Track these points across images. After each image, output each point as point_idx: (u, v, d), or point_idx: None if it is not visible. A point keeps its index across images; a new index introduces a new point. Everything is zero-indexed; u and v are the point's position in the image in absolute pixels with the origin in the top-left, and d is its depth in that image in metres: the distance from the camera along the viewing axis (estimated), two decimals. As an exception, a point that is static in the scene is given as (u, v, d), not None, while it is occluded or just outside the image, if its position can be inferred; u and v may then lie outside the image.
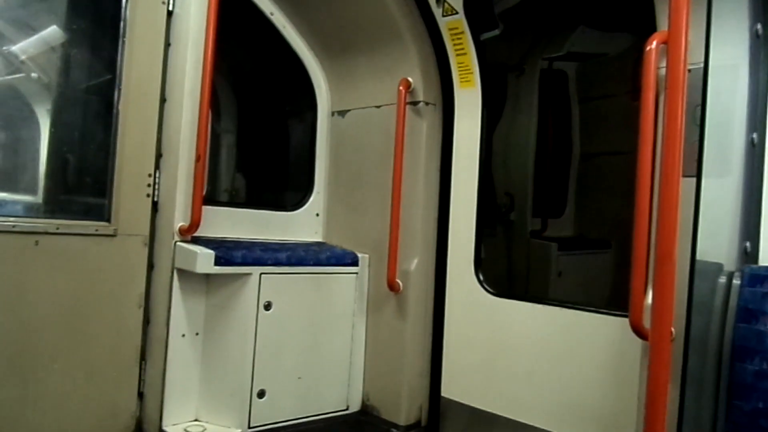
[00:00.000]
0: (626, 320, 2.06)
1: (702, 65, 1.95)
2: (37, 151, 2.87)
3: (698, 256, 1.95)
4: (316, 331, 3.03)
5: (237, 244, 2.87)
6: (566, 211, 4.55)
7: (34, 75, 2.94)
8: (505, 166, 4.23)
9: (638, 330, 2.03)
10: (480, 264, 2.95)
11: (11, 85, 2.89)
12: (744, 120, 2.02)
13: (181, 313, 2.73)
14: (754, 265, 1.98)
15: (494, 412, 2.76)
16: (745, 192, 2.03)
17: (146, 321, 2.72)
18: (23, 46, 2.86)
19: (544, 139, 4.18)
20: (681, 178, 1.81)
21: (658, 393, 1.82)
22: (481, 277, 2.91)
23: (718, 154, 2.01)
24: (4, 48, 2.82)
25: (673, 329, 1.89)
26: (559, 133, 4.37)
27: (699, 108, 1.94)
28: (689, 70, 1.89)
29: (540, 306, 2.65)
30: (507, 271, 4.29)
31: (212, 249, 2.65)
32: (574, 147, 4.47)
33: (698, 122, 1.94)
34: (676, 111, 1.81)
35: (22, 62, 2.88)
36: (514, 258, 4.30)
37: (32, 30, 2.90)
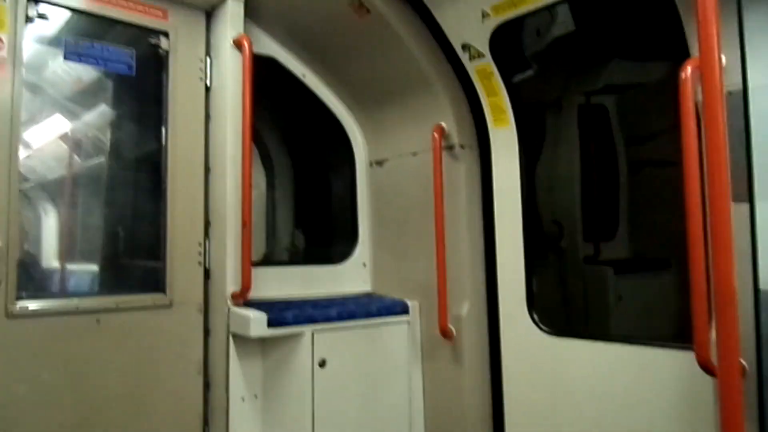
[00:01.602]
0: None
1: (741, 87, 1.89)
2: (95, 229, 3.03)
3: (761, 286, 1.85)
4: (372, 383, 3.01)
5: (288, 304, 2.91)
6: (618, 231, 4.41)
7: (85, 155, 3.13)
8: (550, 196, 4.15)
9: (706, 366, 1.92)
10: (533, 302, 2.88)
11: (69, 166, 3.08)
12: (795, 137, 1.93)
13: (239, 377, 2.77)
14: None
15: (561, 454, 2.66)
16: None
17: (206, 387, 2.77)
18: (80, 129, 3.05)
19: (589, 167, 4.11)
20: (732, 204, 1.74)
21: (733, 433, 1.71)
22: (536, 316, 2.84)
23: (772, 175, 1.92)
24: (62, 133, 3.02)
25: (745, 363, 1.79)
26: (603, 159, 4.28)
27: (744, 132, 1.87)
28: (729, 93, 1.83)
29: (601, 344, 2.55)
30: (563, 303, 4.17)
31: (264, 311, 2.69)
32: (620, 166, 4.36)
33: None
34: (717, 137, 1.75)
35: (77, 143, 3.07)
36: (569, 287, 4.18)
37: (89, 114, 3.10)
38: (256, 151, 3.80)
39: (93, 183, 3.04)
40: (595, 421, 2.52)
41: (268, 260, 3.69)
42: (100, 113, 3.12)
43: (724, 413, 1.72)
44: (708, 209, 1.80)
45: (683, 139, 1.97)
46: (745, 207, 1.87)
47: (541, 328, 2.80)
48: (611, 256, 4.24)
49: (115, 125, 3.04)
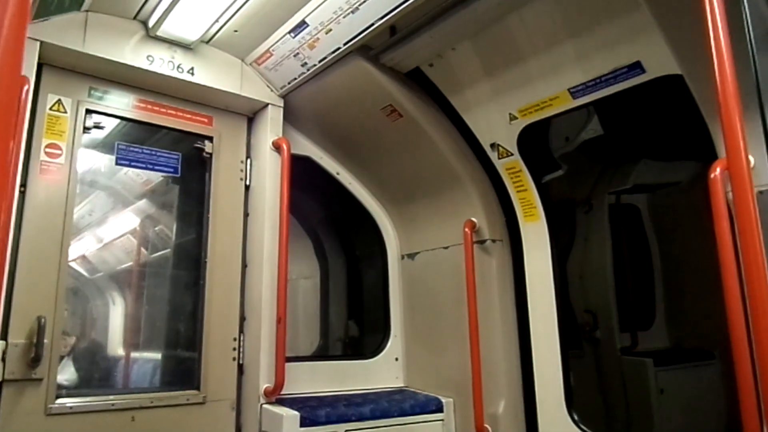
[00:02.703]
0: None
1: (771, 187, 1.92)
2: (133, 326, 3.10)
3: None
4: (407, 486, 2.90)
5: (320, 401, 2.87)
6: (656, 320, 4.30)
7: (127, 250, 3.25)
8: (583, 287, 4.11)
9: (762, 476, 1.83)
10: (572, 400, 2.79)
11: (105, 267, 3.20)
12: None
13: (271, 477, 2.70)
14: None
15: None
16: None
17: (237, 489, 2.71)
18: (123, 228, 3.19)
19: (621, 261, 4.09)
20: (774, 304, 1.72)
21: None
22: (575, 415, 2.75)
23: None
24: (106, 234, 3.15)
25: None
26: (636, 252, 4.27)
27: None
28: (761, 192, 1.86)
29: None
30: (603, 397, 4.02)
31: (297, 410, 2.66)
32: (653, 259, 4.32)
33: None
34: (752, 236, 1.75)
35: (119, 242, 3.19)
36: (607, 380, 4.04)
37: (134, 212, 3.25)
38: (310, 244, 3.91)
39: (138, 278, 3.14)
40: None
41: (324, 353, 3.70)
42: (142, 210, 3.27)
43: None
44: (748, 308, 1.78)
45: (717, 236, 1.98)
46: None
47: (581, 428, 2.69)
48: (649, 346, 4.12)
49: (162, 224, 3.17)
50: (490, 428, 2.86)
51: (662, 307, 4.27)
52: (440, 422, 3.06)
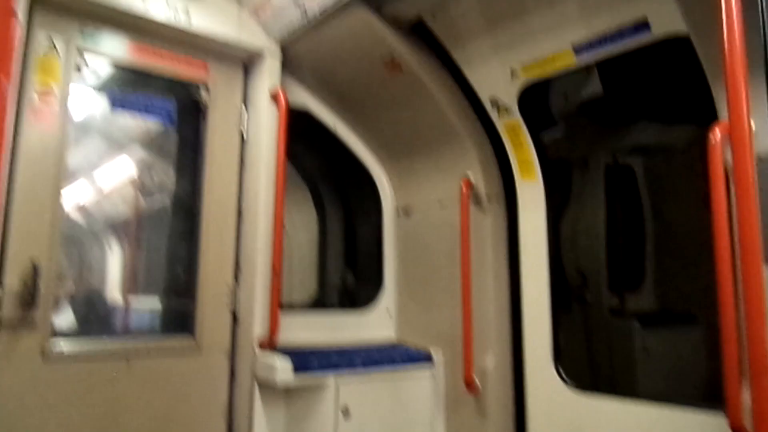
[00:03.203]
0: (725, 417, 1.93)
1: (770, 152, 1.91)
2: (130, 272, 3.11)
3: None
4: (395, 434, 2.99)
5: (313, 352, 2.93)
6: (644, 283, 4.36)
7: (124, 198, 3.24)
8: (575, 247, 4.15)
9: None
10: (559, 356, 2.85)
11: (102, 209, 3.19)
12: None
13: (263, 423, 2.77)
14: None
15: None
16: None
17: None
18: (119, 174, 3.17)
19: (614, 222, 4.11)
20: (764, 268, 1.74)
21: None
22: (562, 371, 2.81)
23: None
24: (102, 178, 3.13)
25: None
26: (630, 214, 4.29)
27: (775, 196, 1.88)
28: (759, 159, 1.85)
29: (629, 403, 2.51)
30: (589, 355, 4.11)
31: (289, 359, 2.71)
32: (646, 222, 4.35)
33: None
34: (749, 201, 1.76)
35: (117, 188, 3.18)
36: (594, 339, 4.12)
37: (129, 159, 3.22)
38: (308, 195, 3.90)
39: (132, 223, 3.14)
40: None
41: (320, 303, 3.76)
42: (138, 157, 3.24)
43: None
44: (740, 273, 1.80)
45: (713, 201, 1.99)
46: (776, 270, 1.85)
47: (567, 383, 2.76)
48: (637, 308, 4.19)
49: (159, 172, 3.15)
50: (478, 381, 2.93)
51: (651, 270, 4.33)
52: (430, 374, 3.13)
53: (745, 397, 1.87)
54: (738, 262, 1.85)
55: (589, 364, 4.02)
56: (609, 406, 2.57)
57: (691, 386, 3.63)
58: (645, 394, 2.60)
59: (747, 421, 1.84)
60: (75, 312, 2.91)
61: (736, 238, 1.88)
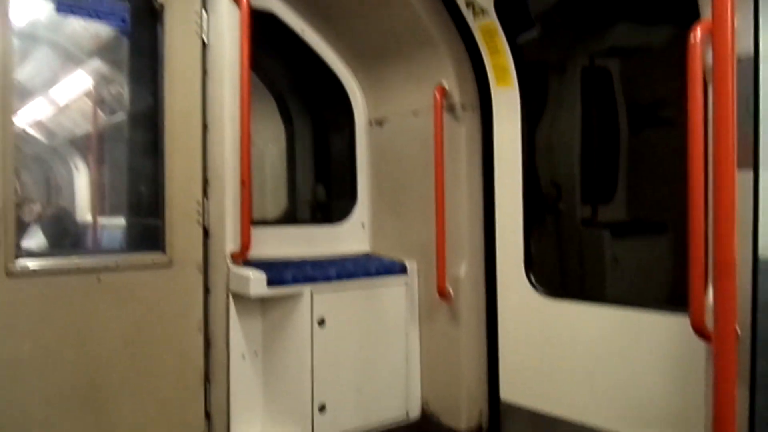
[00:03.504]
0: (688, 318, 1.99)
1: (752, 52, 1.84)
2: (96, 190, 3.02)
3: (761, 252, 1.86)
4: (370, 342, 3.06)
5: (287, 264, 2.92)
6: (617, 194, 4.40)
7: (83, 113, 3.09)
8: (549, 157, 4.12)
9: (700, 331, 1.95)
10: (531, 264, 2.90)
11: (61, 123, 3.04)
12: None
13: (239, 334, 2.81)
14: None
15: (555, 413, 2.72)
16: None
17: (207, 344, 2.81)
18: (72, 84, 3.00)
19: (589, 130, 4.06)
20: (736, 171, 1.73)
21: (725, 398, 1.75)
22: (533, 278, 2.87)
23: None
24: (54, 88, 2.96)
25: (738, 329, 1.81)
26: (605, 122, 4.24)
27: (752, 98, 1.84)
28: (738, 59, 1.79)
29: (596, 306, 2.59)
30: (560, 264, 4.20)
31: (263, 271, 2.70)
32: (621, 130, 4.32)
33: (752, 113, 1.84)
34: (726, 103, 1.73)
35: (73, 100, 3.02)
36: (566, 249, 4.20)
37: (81, 69, 3.04)
38: (275, 107, 3.74)
39: (93, 140, 3.01)
40: (587, 376, 2.58)
41: (292, 217, 3.71)
42: (93, 69, 3.05)
43: (718, 377, 1.76)
44: (712, 176, 1.80)
45: (689, 103, 1.94)
46: (749, 175, 1.85)
47: (537, 290, 2.83)
48: (609, 218, 4.24)
49: (117, 84, 2.98)
50: (451, 289, 2.98)
51: (624, 181, 4.35)
52: (404, 284, 3.18)
53: (708, 299, 1.92)
54: (711, 167, 1.84)
55: (560, 273, 4.12)
56: (577, 310, 2.65)
57: (658, 291, 3.75)
58: (613, 299, 2.67)
59: (708, 322, 1.90)
60: (44, 231, 2.84)
61: (710, 143, 1.86)
